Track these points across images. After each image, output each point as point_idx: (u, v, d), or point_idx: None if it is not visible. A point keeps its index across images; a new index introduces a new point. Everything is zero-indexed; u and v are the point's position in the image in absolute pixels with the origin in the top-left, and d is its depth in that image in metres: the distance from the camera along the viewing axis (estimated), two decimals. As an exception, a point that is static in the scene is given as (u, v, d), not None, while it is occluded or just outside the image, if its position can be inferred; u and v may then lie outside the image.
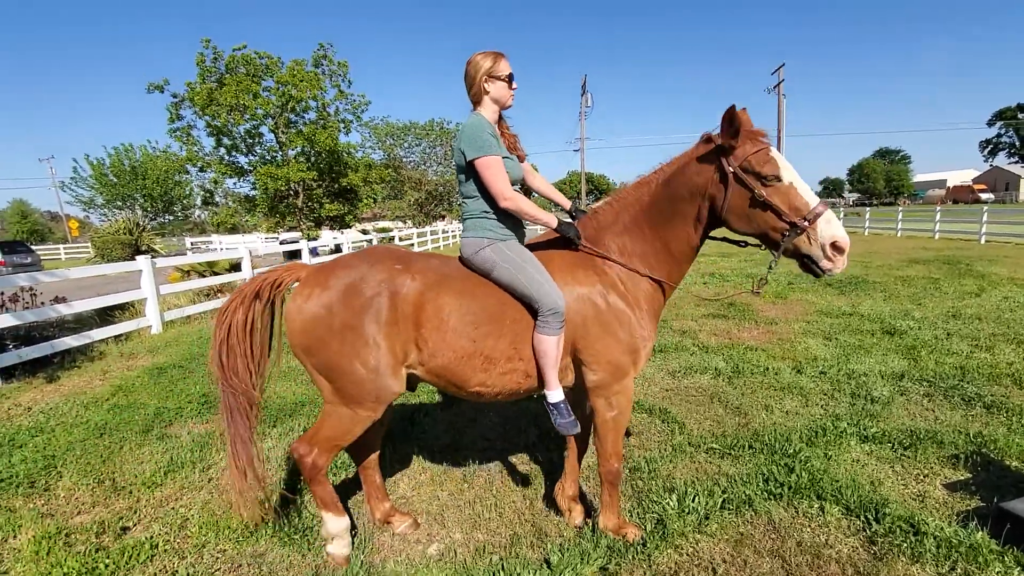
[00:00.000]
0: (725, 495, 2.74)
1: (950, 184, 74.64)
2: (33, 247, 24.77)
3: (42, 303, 6.42)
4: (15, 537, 2.76)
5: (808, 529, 2.50)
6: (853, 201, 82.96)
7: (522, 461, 3.35)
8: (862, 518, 2.54)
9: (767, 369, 4.74)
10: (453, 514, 2.81)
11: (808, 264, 2.06)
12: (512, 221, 2.34)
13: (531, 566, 2.32)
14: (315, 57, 12.95)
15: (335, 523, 2.38)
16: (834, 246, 1.97)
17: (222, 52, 11.91)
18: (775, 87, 32.87)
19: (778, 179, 2.01)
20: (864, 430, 3.43)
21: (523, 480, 3.10)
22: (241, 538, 2.67)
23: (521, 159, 2.47)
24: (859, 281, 8.99)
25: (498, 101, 2.33)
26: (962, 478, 2.88)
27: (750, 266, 11.96)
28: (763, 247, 2.17)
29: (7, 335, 5.86)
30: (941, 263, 10.93)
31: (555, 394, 2.23)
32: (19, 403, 4.87)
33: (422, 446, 3.58)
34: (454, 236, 30.74)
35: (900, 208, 21.66)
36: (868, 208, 26.78)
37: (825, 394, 4.16)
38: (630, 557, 2.33)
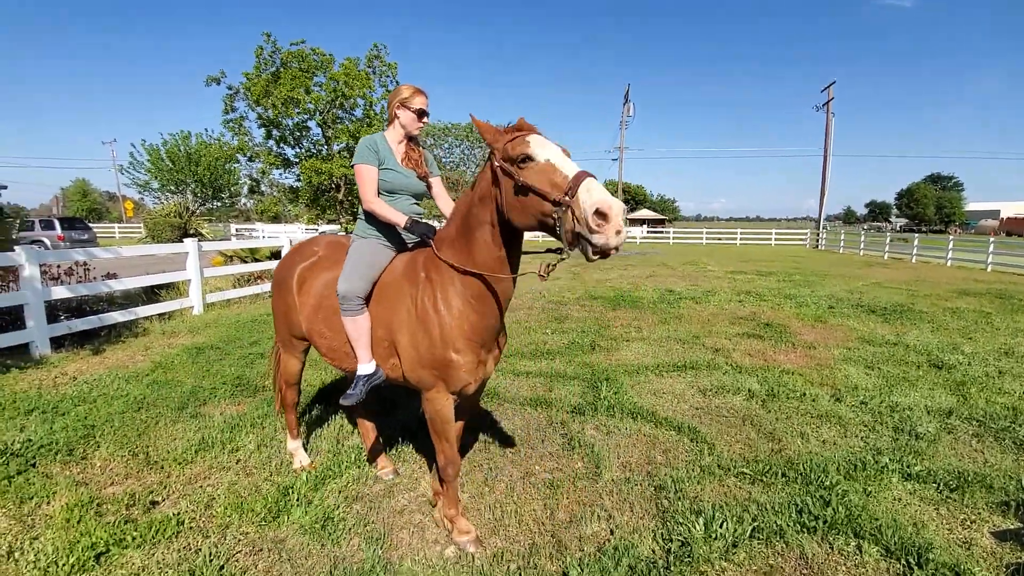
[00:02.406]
0: (755, 523, 2.63)
1: (1004, 215, 70.89)
2: (91, 225, 26.05)
3: (94, 278, 6.73)
4: (48, 503, 2.87)
5: (843, 568, 2.38)
6: (901, 227, 79.72)
7: (545, 469, 3.30)
8: (903, 561, 2.39)
9: (804, 395, 4.56)
10: (473, 517, 2.78)
11: (585, 247, 1.76)
12: (379, 223, 2.66)
13: (549, 578, 2.27)
14: (368, 57, 13.23)
15: (292, 443, 3.35)
16: (597, 213, 1.67)
17: (280, 47, 12.34)
18: (824, 105, 31.91)
19: (530, 158, 1.90)
20: (907, 467, 3.25)
21: (544, 488, 3.05)
22: (264, 522, 2.71)
23: (422, 176, 2.75)
24: (904, 310, 8.59)
25: (405, 127, 2.69)
26: (1012, 527, 2.69)
27: (789, 287, 11.60)
28: (560, 246, 1.95)
29: (60, 306, 6.16)
30: (993, 296, 10.35)
31: (363, 367, 2.56)
32: (65, 372, 5.10)
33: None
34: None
35: (951, 237, 20.60)
36: (916, 235, 25.65)
37: (866, 426, 3.97)
38: (652, 579, 2.26)
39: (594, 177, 1.79)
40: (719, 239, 37.01)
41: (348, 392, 2.57)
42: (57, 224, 21.67)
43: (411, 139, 2.77)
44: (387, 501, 2.94)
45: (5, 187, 6.28)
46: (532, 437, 3.75)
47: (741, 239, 35.29)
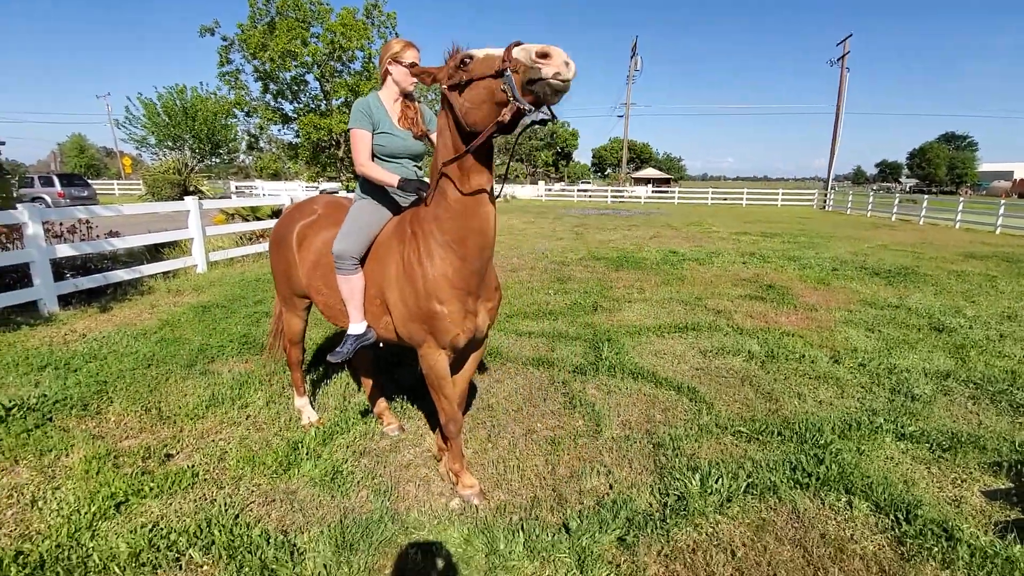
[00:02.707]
0: (750, 479, 2.72)
1: (1017, 176, 69.39)
2: (90, 181, 25.83)
3: (97, 236, 6.73)
4: (67, 455, 2.97)
5: (833, 522, 2.47)
6: (911, 187, 78.43)
7: (547, 427, 3.39)
8: (892, 517, 2.49)
9: (803, 356, 4.62)
10: (476, 472, 2.88)
11: (543, 89, 1.73)
12: (374, 186, 2.67)
13: (550, 529, 2.37)
14: (366, 6, 12.77)
15: (299, 400, 3.45)
16: (538, 55, 1.69)
17: (275, -4, 11.93)
18: (839, 59, 30.85)
19: (469, 56, 1.91)
20: (901, 427, 3.33)
21: (546, 445, 3.14)
22: (275, 475, 2.81)
23: (419, 134, 2.72)
24: (908, 272, 8.58)
25: (399, 83, 2.65)
26: (1003, 487, 2.78)
27: (794, 248, 11.55)
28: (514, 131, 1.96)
29: (65, 264, 6.19)
30: (1000, 260, 10.30)
31: (354, 327, 2.64)
32: (75, 329, 5.18)
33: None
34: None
35: (961, 198, 20.26)
36: (926, 196, 25.23)
37: (863, 387, 4.03)
38: (648, 530, 2.36)
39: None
40: (725, 199, 36.56)
41: (337, 350, 2.65)
42: (56, 181, 21.49)
43: (407, 96, 2.72)
44: (393, 456, 3.04)
45: (3, 143, 6.22)
46: (534, 396, 3.83)
47: (747, 200, 34.86)
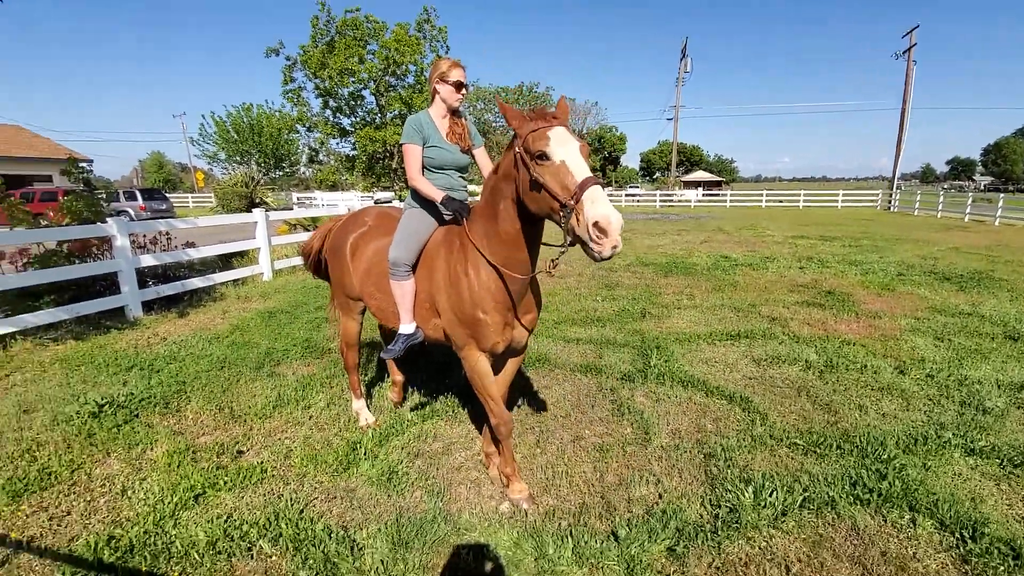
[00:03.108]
0: (806, 493, 2.65)
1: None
2: (167, 195, 27.85)
3: (176, 246, 7.28)
4: (152, 449, 3.25)
5: (895, 540, 2.37)
6: (985, 185, 72.72)
7: (595, 433, 3.41)
8: (957, 535, 2.37)
9: (865, 367, 4.42)
10: (525, 476, 2.94)
11: (584, 247, 1.87)
12: (422, 198, 2.85)
13: (598, 536, 2.40)
14: (418, 21, 13.24)
15: (356, 403, 3.62)
16: (596, 226, 1.78)
17: (335, 16, 12.55)
18: (904, 52, 29.12)
19: (546, 157, 1.97)
20: (971, 442, 3.14)
21: (595, 451, 3.17)
22: (336, 473, 2.97)
23: (465, 148, 2.92)
24: (983, 277, 8.00)
25: (446, 101, 2.82)
26: (1089, 510, 2.58)
27: (855, 252, 10.99)
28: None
29: (148, 273, 6.73)
30: (1094, 264, 9.42)
31: (404, 328, 2.82)
32: (157, 333, 5.64)
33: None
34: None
35: (1044, 196, 18.68)
36: (1002, 194, 23.30)
37: (930, 399, 3.82)
38: (699, 542, 2.34)
39: (600, 184, 1.88)
40: (780, 202, 35.17)
41: (389, 347, 2.86)
42: (139, 195, 23.27)
43: (454, 112, 2.90)
44: (446, 458, 3.14)
45: (91, 161, 6.82)
46: (582, 403, 3.86)
47: (805, 201, 33.39)
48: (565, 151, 1.96)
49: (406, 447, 3.26)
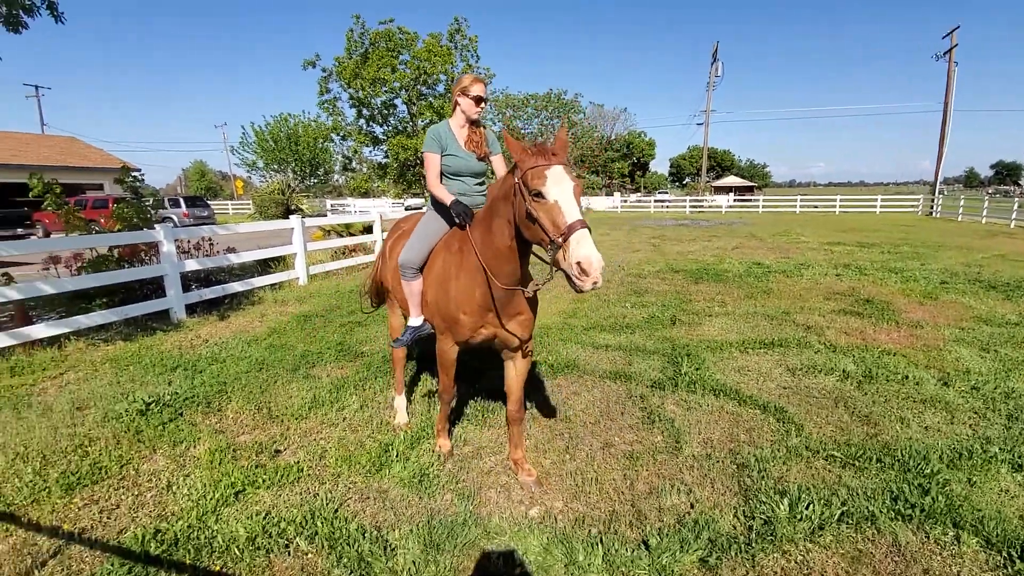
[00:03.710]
0: (844, 507, 2.58)
1: None
2: (209, 202, 28.94)
3: (217, 252, 7.57)
4: (195, 447, 3.38)
5: (939, 557, 2.29)
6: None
7: (625, 441, 3.39)
8: (1004, 553, 2.27)
9: (906, 377, 4.27)
10: (555, 482, 2.95)
11: (567, 279, 2.07)
12: (437, 202, 3.05)
13: (629, 544, 2.39)
14: (450, 32, 13.50)
15: (398, 399, 3.77)
16: (579, 266, 1.99)
17: (369, 28, 12.91)
18: (945, 53, 28.06)
19: (542, 196, 2.13)
20: (1019, 457, 3.01)
21: (624, 459, 3.15)
22: (369, 474, 3.04)
23: (482, 156, 3.09)
24: (1038, 286, 7.62)
25: (465, 113, 3.03)
26: None
27: (895, 259, 10.62)
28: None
29: (191, 277, 7.01)
30: None
31: (412, 321, 3.15)
32: (199, 335, 5.86)
33: (528, 415, 3.76)
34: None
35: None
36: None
37: (976, 412, 3.67)
38: (732, 553, 2.31)
39: (588, 229, 2.06)
40: (815, 207, 34.25)
41: (398, 338, 3.27)
42: (183, 202, 24.24)
43: (473, 123, 3.09)
44: (476, 462, 3.18)
45: (139, 170, 7.20)
46: (611, 409, 3.84)
47: (841, 207, 32.42)
48: (559, 191, 2.12)
49: (437, 450, 3.30)
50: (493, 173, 3.19)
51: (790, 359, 4.80)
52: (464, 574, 2.30)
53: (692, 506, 2.69)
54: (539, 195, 2.14)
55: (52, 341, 5.32)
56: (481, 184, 3.21)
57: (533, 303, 2.81)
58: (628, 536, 2.48)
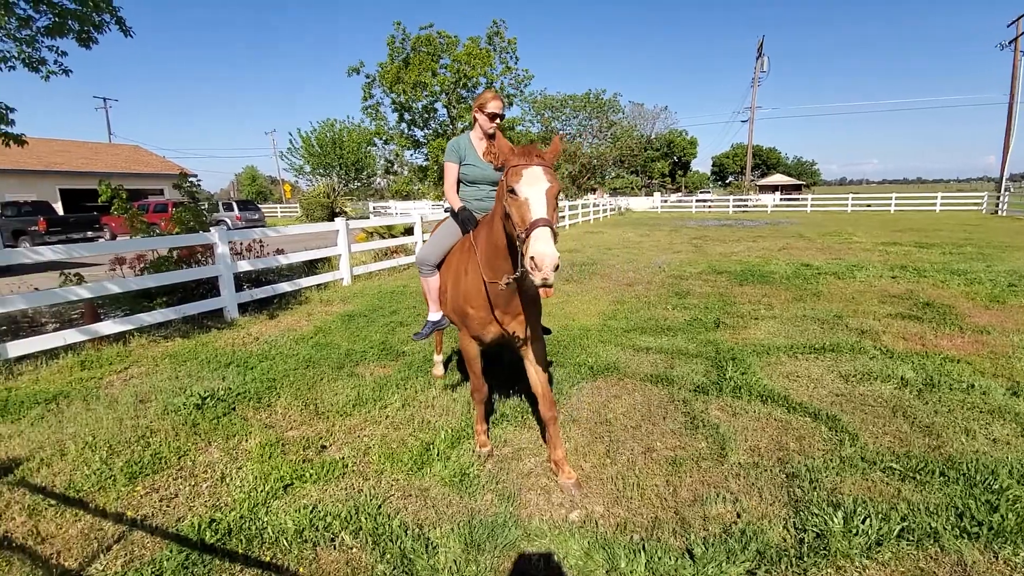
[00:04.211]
0: (904, 523, 2.45)
1: None
2: (259, 206, 30.19)
3: (267, 253, 7.88)
4: (247, 440, 3.51)
5: (1011, 581, 2.14)
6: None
7: (667, 446, 3.33)
8: (1091, 583, 2.10)
9: (971, 386, 4.01)
10: (595, 486, 2.92)
11: (526, 272, 2.20)
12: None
13: (672, 552, 2.34)
14: (489, 34, 13.68)
15: (437, 356, 4.41)
16: (532, 260, 2.10)
17: (410, 34, 13.22)
18: (1010, 43, 26.24)
19: (515, 193, 2.27)
20: (1107, 478, 2.77)
21: (667, 465, 3.09)
22: (411, 472, 3.09)
23: (498, 166, 3.11)
24: (1124, 290, 7.02)
25: (482, 127, 3.32)
26: None
27: (958, 260, 10.01)
28: None
29: (243, 277, 7.32)
30: None
31: (432, 315, 3.57)
32: (250, 333, 6.11)
33: (566, 417, 3.74)
34: (605, 211, 30.30)
35: None
36: None
37: (1054, 427, 3.41)
38: (782, 567, 2.23)
39: (548, 227, 2.16)
40: (868, 206, 32.68)
41: (419, 331, 3.67)
42: (235, 206, 25.36)
43: (490, 137, 3.34)
44: (515, 463, 3.18)
45: (195, 175, 7.59)
46: (653, 413, 3.77)
47: (896, 205, 30.82)
48: (532, 191, 2.25)
49: (476, 450, 3.33)
50: None
51: (843, 365, 4.60)
52: (504, 575, 2.31)
53: (739, 516, 2.60)
54: (513, 191, 2.28)
55: (118, 337, 5.65)
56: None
57: (532, 304, 2.89)
58: (671, 544, 2.43)
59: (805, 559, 2.26)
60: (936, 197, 30.27)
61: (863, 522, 2.45)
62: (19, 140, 5.70)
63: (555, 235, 2.17)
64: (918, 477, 2.86)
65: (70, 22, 5.25)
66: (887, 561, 2.27)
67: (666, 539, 2.46)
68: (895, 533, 2.40)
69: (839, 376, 4.37)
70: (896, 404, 3.80)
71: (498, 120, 3.28)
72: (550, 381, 3.48)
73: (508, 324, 2.86)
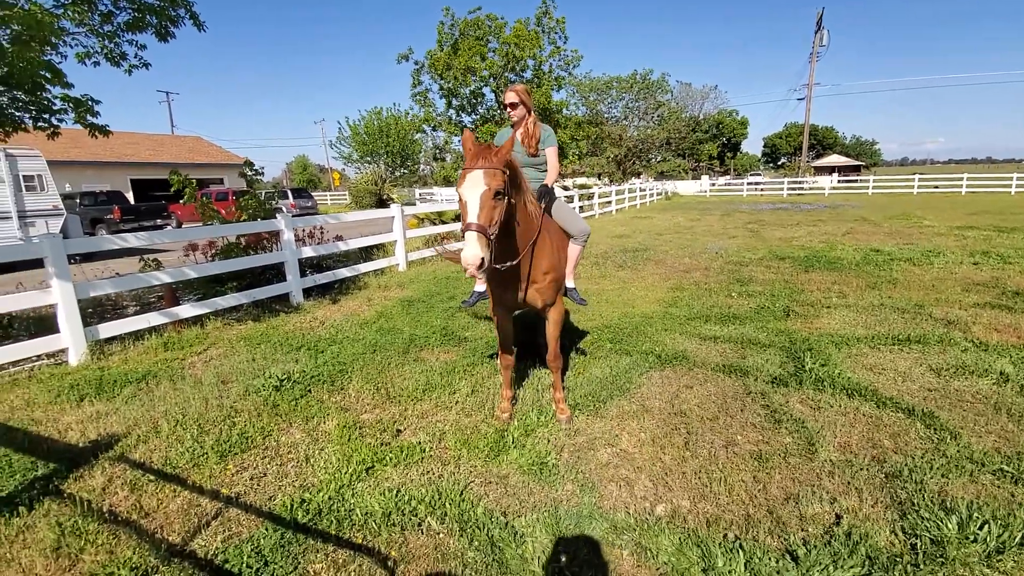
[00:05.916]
0: (1027, 531, 2.27)
1: None
2: (312, 194, 31.04)
3: (327, 240, 8.07)
4: (325, 422, 3.61)
5: None
6: None
7: (749, 440, 3.21)
8: None
9: (1084, 385, 3.69)
10: (677, 480, 2.85)
11: None
12: None
13: (772, 553, 2.25)
14: (537, 15, 13.43)
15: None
16: (462, 256, 2.47)
17: (459, 19, 13.14)
18: None
19: (459, 196, 2.62)
20: None
21: (752, 460, 2.98)
22: (488, 459, 3.09)
23: (532, 152, 3.58)
24: None
25: (511, 118, 3.63)
26: None
27: (1052, 246, 9.23)
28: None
29: (306, 263, 7.53)
30: None
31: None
32: (316, 317, 6.28)
33: (638, 406, 3.67)
34: (652, 195, 29.60)
35: None
36: None
37: None
38: (895, 575, 2.11)
39: (475, 232, 2.47)
40: (936, 187, 30.64)
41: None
42: (290, 194, 26.20)
43: (513, 125, 3.61)
44: (591, 453, 3.14)
45: (262, 167, 7.85)
46: (729, 406, 3.65)
47: (968, 186, 28.75)
48: (469, 195, 2.54)
49: (550, 439, 3.31)
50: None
51: (931, 358, 4.32)
52: (593, 567, 2.28)
53: (839, 517, 2.48)
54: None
55: (195, 320, 5.92)
56: (539, 173, 3.69)
57: (532, 279, 3.18)
58: (769, 544, 2.34)
59: (921, 567, 2.12)
60: (1012, 178, 28.03)
61: (980, 528, 2.28)
62: (104, 131, 6.00)
63: (488, 238, 2.49)
64: (1036, 482, 2.65)
65: (149, 17, 5.45)
66: (1010, 571, 2.11)
67: (763, 539, 2.37)
68: (1017, 540, 2.23)
69: (929, 369, 4.10)
70: (998, 401, 3.54)
71: (511, 110, 3.53)
72: (563, 351, 3.80)
73: (528, 291, 3.22)
